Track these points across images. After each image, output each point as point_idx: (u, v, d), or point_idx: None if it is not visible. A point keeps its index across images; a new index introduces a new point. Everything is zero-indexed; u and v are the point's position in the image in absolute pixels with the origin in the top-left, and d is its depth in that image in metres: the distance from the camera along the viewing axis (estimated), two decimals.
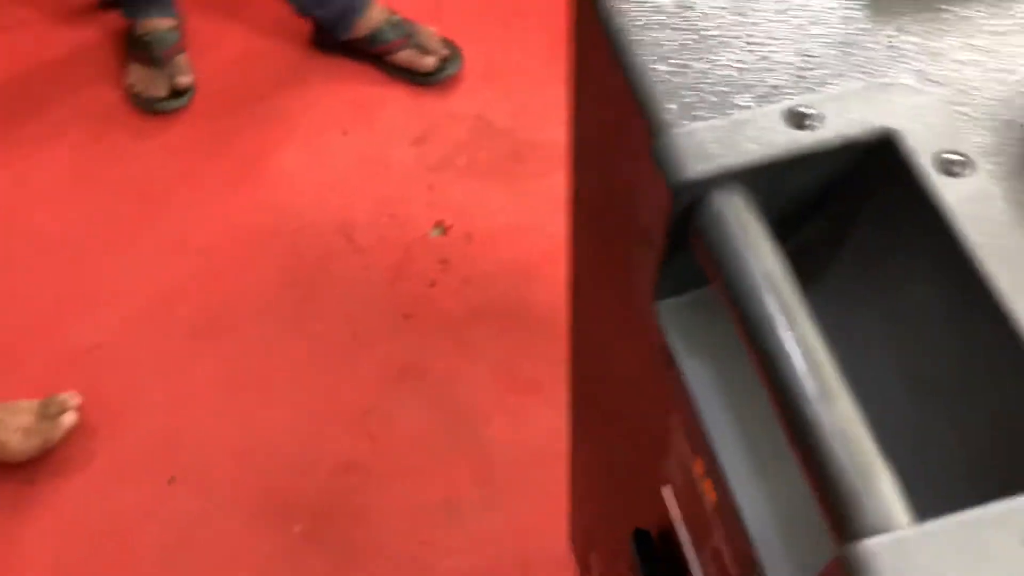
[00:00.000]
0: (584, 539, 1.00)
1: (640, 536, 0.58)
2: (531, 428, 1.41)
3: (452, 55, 1.80)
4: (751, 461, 0.40)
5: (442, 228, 1.63)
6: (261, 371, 1.48)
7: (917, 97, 0.39)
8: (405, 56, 1.77)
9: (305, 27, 1.83)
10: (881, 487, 0.31)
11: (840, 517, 0.31)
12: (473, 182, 1.69)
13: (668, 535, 0.56)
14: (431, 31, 1.81)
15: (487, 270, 1.58)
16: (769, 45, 0.42)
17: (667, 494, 0.53)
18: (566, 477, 1.32)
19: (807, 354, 0.34)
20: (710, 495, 0.44)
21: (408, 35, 1.77)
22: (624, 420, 0.63)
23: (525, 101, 1.80)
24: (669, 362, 0.43)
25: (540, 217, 1.64)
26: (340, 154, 1.73)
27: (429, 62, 1.77)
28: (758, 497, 0.39)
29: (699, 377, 0.42)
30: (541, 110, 1.79)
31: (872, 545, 0.29)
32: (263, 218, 1.64)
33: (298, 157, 1.72)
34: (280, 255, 1.60)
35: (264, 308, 1.54)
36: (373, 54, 1.79)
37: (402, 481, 1.37)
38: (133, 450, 1.42)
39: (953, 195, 0.36)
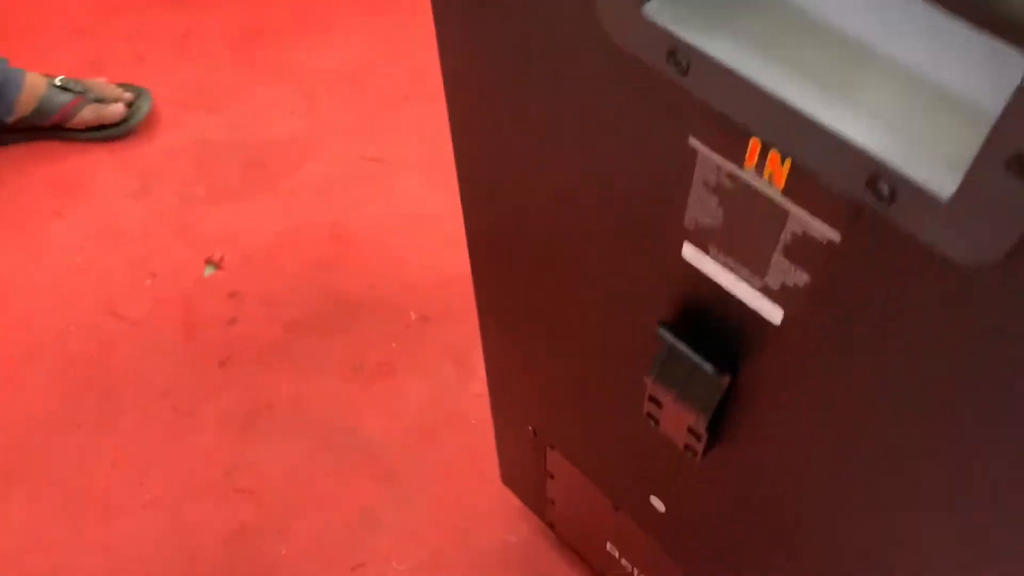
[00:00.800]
0: (534, 452, 0.95)
1: (669, 328, 0.55)
2: (404, 407, 1.33)
3: (138, 95, 1.64)
4: (823, 96, 0.37)
5: (214, 264, 1.48)
6: (90, 489, 1.27)
7: None
8: (88, 114, 1.59)
9: None
10: None
11: None
12: (224, 206, 1.55)
13: (699, 306, 0.53)
14: (102, 81, 1.64)
15: (283, 281, 1.46)
16: None
17: (690, 252, 0.50)
18: (484, 422, 1.26)
19: None
20: (776, 178, 0.41)
21: (81, 92, 1.59)
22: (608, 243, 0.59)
23: (236, 108, 1.69)
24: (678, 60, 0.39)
25: (310, 208, 1.55)
26: (63, 238, 1.52)
27: (117, 110, 1.60)
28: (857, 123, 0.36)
29: (720, 49, 0.38)
30: (257, 111, 1.69)
31: None
32: (12, 335, 1.41)
33: (15, 259, 1.50)
34: (50, 364, 1.38)
35: (61, 425, 1.33)
36: (51, 126, 1.60)
37: (303, 519, 1.24)
38: None
39: None
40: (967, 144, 0.34)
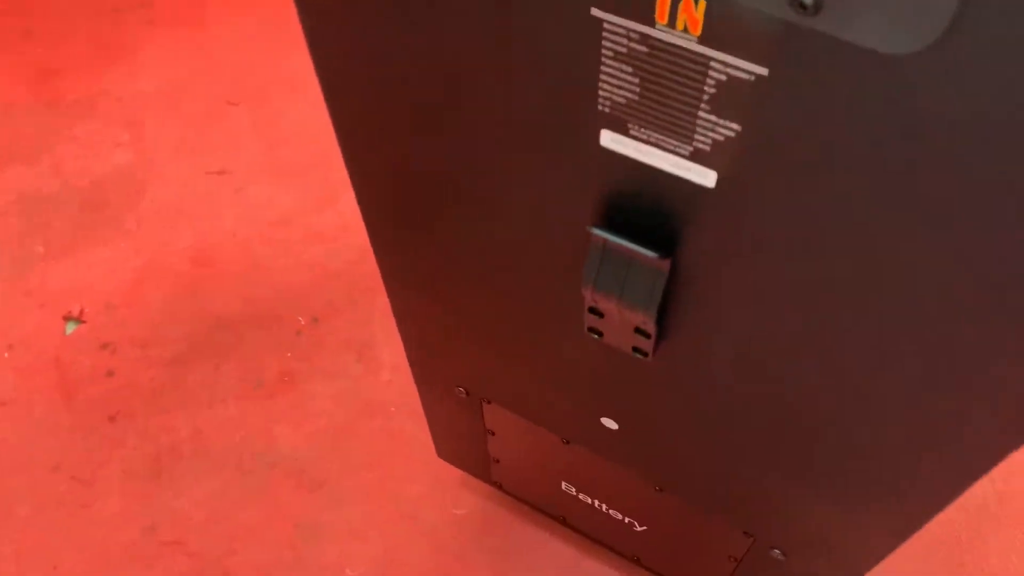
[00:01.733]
0: (469, 414, 0.93)
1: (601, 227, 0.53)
2: (314, 413, 1.28)
3: None
4: None
5: (75, 319, 1.38)
6: None
7: None
8: None
9: None
10: None
11: None
12: (69, 257, 1.44)
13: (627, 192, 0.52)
14: None
15: (154, 319, 1.37)
16: None
17: (609, 138, 0.48)
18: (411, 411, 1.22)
19: None
20: (692, 26, 0.39)
21: None
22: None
23: (55, 153, 1.56)
24: None
25: (162, 237, 1.45)
26: None
27: None
28: None
29: None
30: (78, 151, 1.57)
31: None
32: None
33: None
34: None
35: None
36: None
37: (240, 554, 1.17)
38: None
39: None
40: None
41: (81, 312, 1.38)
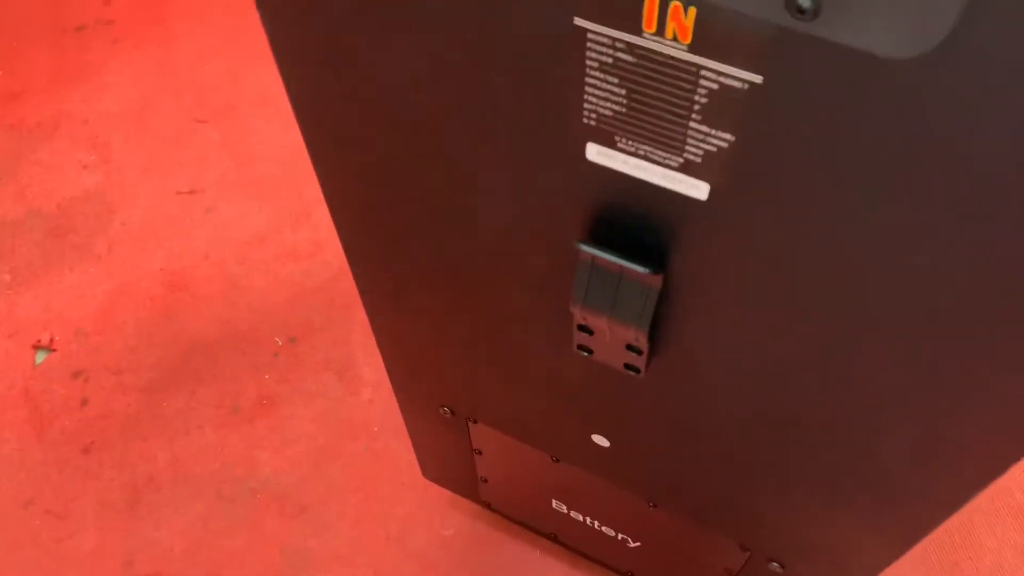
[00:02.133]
0: (455, 433, 0.90)
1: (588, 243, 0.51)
2: (295, 436, 1.25)
3: None
4: None
5: (45, 347, 1.34)
6: None
7: None
8: None
9: None
10: None
11: None
12: (37, 284, 1.40)
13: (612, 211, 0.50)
14: None
15: (127, 344, 1.34)
16: None
17: (596, 151, 0.46)
18: (396, 431, 1.20)
19: None
20: (681, 34, 0.37)
21: None
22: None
23: (19, 177, 1.53)
24: None
25: (133, 260, 1.42)
26: None
27: None
28: None
29: None
30: (44, 174, 1.53)
31: None
32: None
33: None
34: None
35: None
36: None
37: None
38: None
39: None
40: None
41: (51, 340, 1.34)
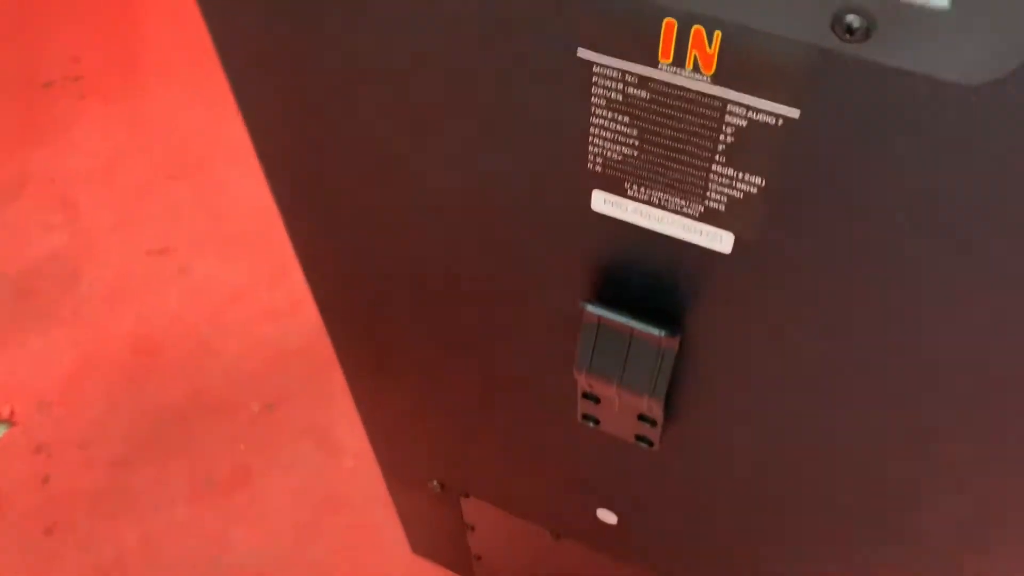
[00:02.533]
0: (445, 508, 0.83)
1: (593, 303, 0.45)
2: (273, 509, 1.17)
3: None
4: None
5: (4, 421, 1.26)
6: None
7: None
8: None
9: None
10: None
11: None
12: (1, 351, 1.33)
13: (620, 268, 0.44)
14: None
15: (93, 416, 1.26)
16: None
17: (602, 200, 0.40)
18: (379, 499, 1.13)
19: None
20: (704, 63, 0.32)
21: None
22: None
23: None
24: None
25: (101, 325, 1.35)
26: None
27: None
28: None
29: None
30: (7, 235, 1.46)
31: None
32: None
33: None
34: None
35: None
36: None
37: None
38: None
39: None
40: None
41: (11, 413, 1.26)
